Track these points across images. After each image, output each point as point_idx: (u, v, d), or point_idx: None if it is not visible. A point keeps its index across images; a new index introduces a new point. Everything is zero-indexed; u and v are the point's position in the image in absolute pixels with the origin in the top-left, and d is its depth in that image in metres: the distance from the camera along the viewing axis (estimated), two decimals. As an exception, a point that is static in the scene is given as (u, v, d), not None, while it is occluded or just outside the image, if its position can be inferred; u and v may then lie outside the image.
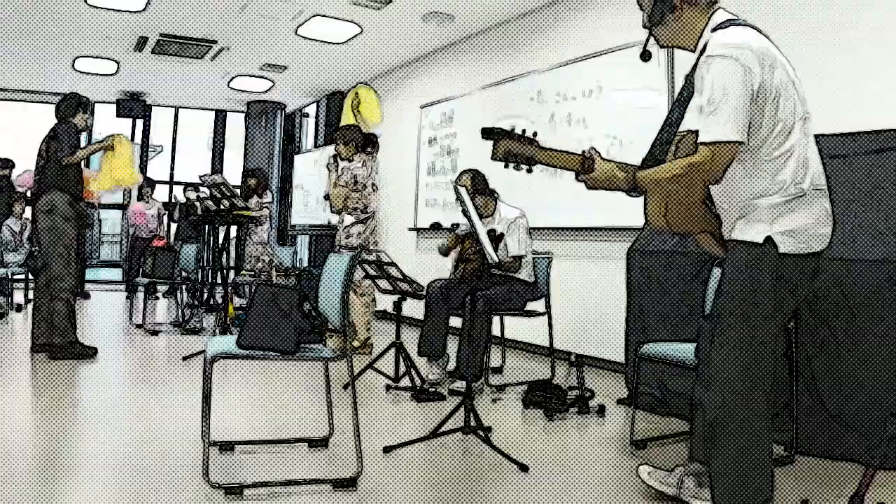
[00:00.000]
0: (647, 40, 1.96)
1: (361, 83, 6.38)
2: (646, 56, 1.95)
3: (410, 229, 7.39)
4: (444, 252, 4.21)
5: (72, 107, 4.49)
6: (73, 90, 4.83)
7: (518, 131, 1.93)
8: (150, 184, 8.97)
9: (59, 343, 4.34)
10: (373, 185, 5.05)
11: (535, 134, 1.94)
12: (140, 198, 8.87)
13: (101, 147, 4.63)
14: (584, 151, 1.93)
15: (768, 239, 1.77)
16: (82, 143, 4.52)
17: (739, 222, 1.84)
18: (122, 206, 10.81)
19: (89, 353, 4.45)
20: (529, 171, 1.95)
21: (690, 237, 2.10)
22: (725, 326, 1.85)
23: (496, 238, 3.24)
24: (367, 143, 5.16)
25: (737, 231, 1.85)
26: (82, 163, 4.51)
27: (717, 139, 1.72)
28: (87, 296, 8.43)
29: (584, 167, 1.91)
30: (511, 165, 1.93)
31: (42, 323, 4.43)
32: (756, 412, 1.82)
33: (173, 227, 9.23)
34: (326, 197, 5.19)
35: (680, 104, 1.95)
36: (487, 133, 1.90)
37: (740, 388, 1.82)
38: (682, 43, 1.96)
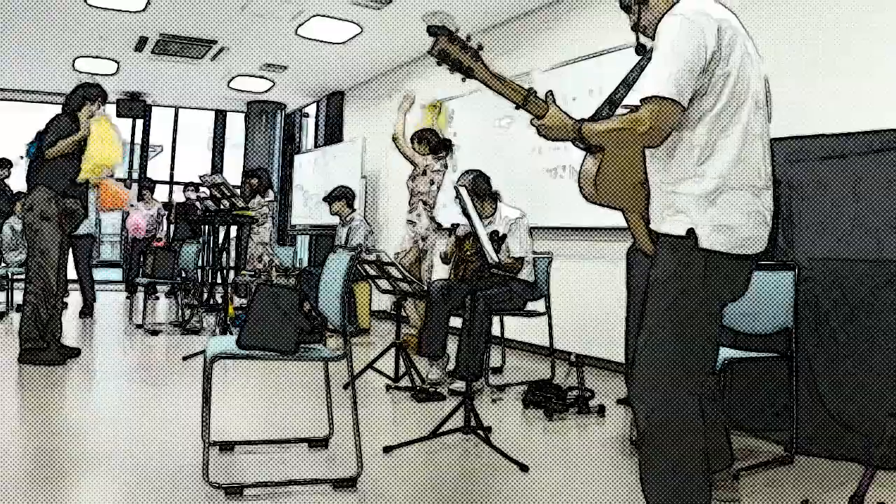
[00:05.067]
0: (637, 36, 1.88)
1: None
2: (639, 50, 1.90)
3: (410, 229, 7.38)
4: (447, 259, 4.22)
5: (77, 99, 4.25)
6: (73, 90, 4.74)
7: (473, 45, 1.78)
8: (150, 185, 8.92)
9: (22, 347, 4.11)
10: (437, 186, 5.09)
11: (480, 47, 1.79)
12: (140, 198, 8.82)
13: (80, 136, 4.18)
14: (530, 88, 1.80)
15: (690, 231, 1.66)
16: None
17: (665, 211, 1.73)
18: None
19: (55, 360, 4.16)
20: (463, 80, 1.80)
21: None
22: (651, 323, 1.73)
23: (499, 240, 3.24)
24: (441, 146, 5.16)
25: (661, 222, 1.74)
26: (74, 157, 4.19)
27: (655, 93, 1.60)
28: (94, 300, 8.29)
29: (528, 103, 1.79)
30: (446, 67, 1.79)
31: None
32: (688, 424, 1.68)
33: (172, 227, 9.19)
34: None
35: (639, 68, 1.91)
36: (432, 30, 1.76)
37: (671, 396, 1.68)
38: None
